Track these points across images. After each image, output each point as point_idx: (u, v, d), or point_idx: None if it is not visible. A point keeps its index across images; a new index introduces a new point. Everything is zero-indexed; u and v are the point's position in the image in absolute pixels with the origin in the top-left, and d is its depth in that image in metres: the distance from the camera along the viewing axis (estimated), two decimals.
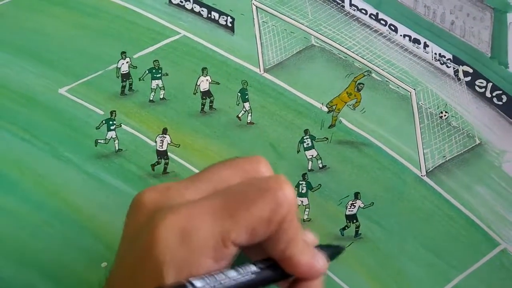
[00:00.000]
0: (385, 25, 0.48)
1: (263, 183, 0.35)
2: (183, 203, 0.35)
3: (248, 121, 0.48)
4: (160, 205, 0.35)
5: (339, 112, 0.47)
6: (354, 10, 0.48)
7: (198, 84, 0.48)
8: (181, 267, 0.33)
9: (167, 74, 0.49)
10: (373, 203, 0.46)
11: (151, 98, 0.49)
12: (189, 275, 0.33)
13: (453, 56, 0.47)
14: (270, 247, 0.36)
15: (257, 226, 0.34)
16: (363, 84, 0.47)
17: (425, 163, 0.46)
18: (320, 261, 0.37)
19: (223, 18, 0.49)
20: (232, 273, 0.35)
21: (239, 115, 0.48)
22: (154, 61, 0.48)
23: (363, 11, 0.48)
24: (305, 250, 0.36)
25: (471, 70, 0.47)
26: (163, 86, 0.49)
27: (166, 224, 0.34)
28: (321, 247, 0.39)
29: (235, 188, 0.35)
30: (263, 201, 0.34)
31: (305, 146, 0.47)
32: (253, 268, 0.35)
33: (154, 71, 0.49)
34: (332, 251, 0.41)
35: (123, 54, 0.49)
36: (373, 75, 0.47)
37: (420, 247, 0.45)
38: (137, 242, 0.35)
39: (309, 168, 0.47)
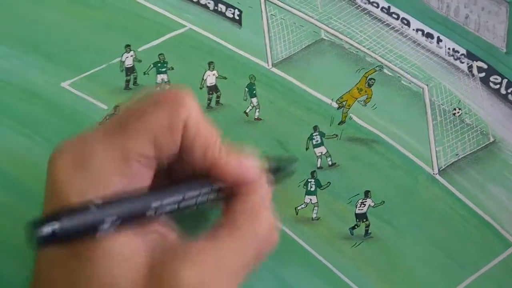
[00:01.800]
0: (397, 19, 0.47)
1: (159, 95, 0.34)
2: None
3: (256, 117, 0.47)
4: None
5: (349, 108, 0.46)
6: (365, 3, 0.47)
7: (204, 78, 0.47)
8: (84, 192, 0.32)
9: (172, 68, 0.47)
10: (383, 201, 0.45)
11: None
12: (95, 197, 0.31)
13: (467, 51, 0.46)
14: (191, 160, 0.34)
15: (159, 135, 0.33)
16: (374, 79, 0.46)
17: (437, 161, 0.45)
18: (251, 168, 0.35)
19: (230, 10, 0.47)
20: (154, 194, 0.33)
21: (247, 111, 0.47)
22: (160, 54, 0.47)
23: (374, 4, 0.47)
24: (229, 157, 0.35)
25: (485, 66, 0.46)
26: (169, 81, 0.47)
27: (61, 155, 0.33)
28: (270, 161, 0.38)
29: (131, 106, 0.34)
30: (158, 109, 0.33)
31: (314, 143, 0.46)
32: (182, 187, 0.34)
33: (159, 65, 0.47)
34: (283, 164, 0.39)
35: (128, 48, 0.47)
36: (384, 70, 0.46)
37: (431, 247, 0.44)
38: (46, 193, 0.34)
39: (318, 165, 0.46)
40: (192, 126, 0.33)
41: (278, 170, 0.39)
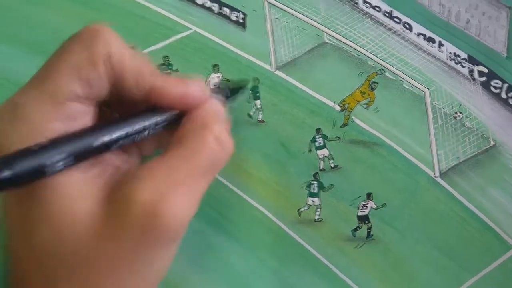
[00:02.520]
0: (399, 23, 0.47)
1: (77, 32, 0.34)
2: None
3: (259, 119, 0.47)
4: None
5: (351, 111, 0.47)
6: (368, 7, 0.47)
7: (208, 81, 0.47)
8: (23, 142, 0.31)
9: (177, 71, 0.48)
10: (385, 204, 0.45)
11: None
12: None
13: (468, 56, 0.46)
14: (128, 92, 0.34)
15: (81, 71, 0.32)
16: (377, 83, 0.46)
17: (438, 164, 0.46)
18: (192, 87, 0.35)
19: (234, 14, 0.48)
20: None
21: (250, 113, 0.47)
22: (164, 57, 0.47)
23: (377, 8, 0.47)
24: (166, 81, 0.34)
25: (486, 70, 0.46)
26: None
27: None
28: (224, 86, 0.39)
29: (56, 49, 0.34)
30: (75, 43, 0.33)
31: (316, 145, 0.46)
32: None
33: (164, 67, 0.48)
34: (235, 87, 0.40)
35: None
36: (386, 73, 0.47)
37: (432, 249, 0.45)
38: None
39: (321, 167, 0.46)
40: (117, 58, 0.33)
41: (229, 93, 0.40)
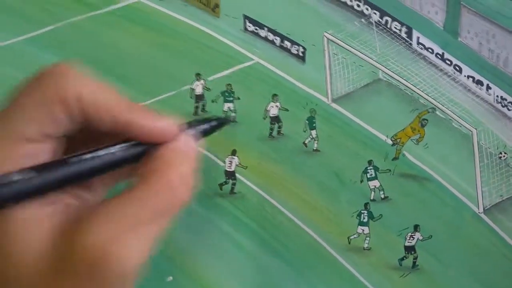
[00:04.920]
0: (450, 65, 0.50)
1: (44, 70, 0.31)
2: None
3: (314, 148, 0.49)
4: None
5: (403, 146, 0.49)
6: (421, 49, 0.50)
7: (267, 109, 0.50)
8: None
9: (239, 98, 0.50)
10: (431, 236, 0.48)
11: None
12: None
13: None
14: (102, 127, 0.31)
15: (52, 109, 0.30)
16: (427, 120, 0.49)
17: (483, 201, 0.48)
18: (163, 123, 0.31)
19: (295, 47, 0.50)
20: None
21: (306, 142, 0.50)
22: (227, 84, 0.50)
23: (429, 50, 0.50)
24: (140, 115, 0.31)
25: None
26: (235, 109, 0.50)
27: None
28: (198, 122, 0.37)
29: (22, 85, 0.32)
30: (44, 81, 0.31)
31: (368, 176, 0.49)
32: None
33: (226, 94, 0.50)
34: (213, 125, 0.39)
35: (198, 76, 0.50)
36: (437, 112, 0.49)
37: (473, 281, 0.47)
38: None
39: (371, 198, 0.49)
40: (89, 96, 0.31)
41: (208, 129, 0.40)
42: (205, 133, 0.40)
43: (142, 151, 0.36)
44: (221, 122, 0.43)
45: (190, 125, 0.38)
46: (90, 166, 0.33)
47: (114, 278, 0.29)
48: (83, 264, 0.29)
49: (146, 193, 0.30)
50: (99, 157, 0.32)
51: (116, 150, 0.33)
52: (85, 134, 0.34)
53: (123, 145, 0.34)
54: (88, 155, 0.32)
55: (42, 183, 0.31)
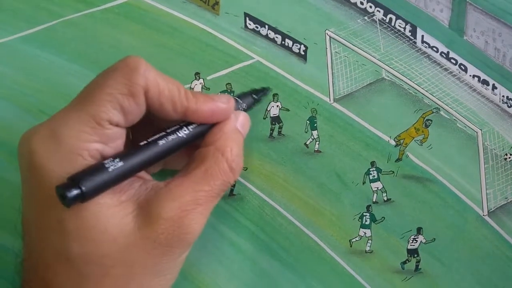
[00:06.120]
0: (455, 64, 0.49)
1: (114, 64, 0.38)
2: None
3: (316, 149, 0.48)
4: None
5: (406, 147, 0.48)
6: (426, 47, 0.49)
7: (268, 109, 0.49)
8: (63, 162, 0.35)
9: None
10: (434, 239, 0.47)
11: None
12: (81, 165, 0.35)
13: None
14: (165, 116, 0.39)
15: (122, 102, 0.36)
16: (431, 120, 0.48)
17: (487, 203, 0.47)
18: (220, 103, 0.40)
19: (297, 46, 0.49)
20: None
21: (307, 143, 0.49)
22: (227, 84, 0.49)
23: (434, 48, 0.49)
24: (198, 101, 0.39)
25: None
26: None
27: (35, 134, 0.36)
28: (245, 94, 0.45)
29: (93, 79, 0.38)
30: (114, 77, 0.37)
31: (371, 178, 0.48)
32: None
33: (226, 94, 0.49)
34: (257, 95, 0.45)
35: (197, 75, 0.49)
36: (441, 112, 0.48)
37: (477, 285, 0.46)
38: (23, 172, 0.37)
39: (374, 200, 0.48)
40: (153, 88, 0.37)
41: (254, 100, 0.45)
42: (249, 107, 0.46)
43: (201, 133, 0.41)
44: (263, 92, 0.49)
45: (237, 101, 0.44)
46: (161, 150, 0.39)
47: (185, 241, 0.37)
48: (164, 232, 0.36)
49: (208, 175, 0.38)
50: (169, 141, 0.39)
51: (183, 134, 0.40)
52: (144, 119, 0.39)
53: (188, 127, 0.40)
54: (162, 141, 0.38)
55: (128, 169, 0.36)
